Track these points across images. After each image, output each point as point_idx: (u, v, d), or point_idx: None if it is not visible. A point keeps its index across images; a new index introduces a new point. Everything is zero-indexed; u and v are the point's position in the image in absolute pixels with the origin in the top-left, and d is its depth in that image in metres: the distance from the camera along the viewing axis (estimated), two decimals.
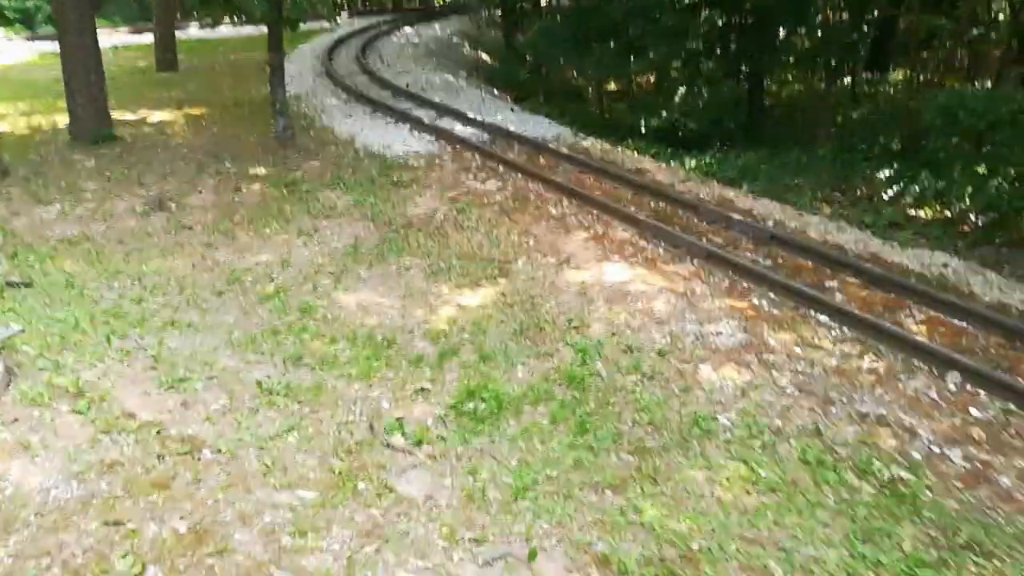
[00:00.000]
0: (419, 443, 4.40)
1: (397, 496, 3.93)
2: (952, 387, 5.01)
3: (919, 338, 5.52)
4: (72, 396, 4.50)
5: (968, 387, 5.00)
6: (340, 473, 4.06)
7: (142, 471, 3.93)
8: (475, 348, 5.51)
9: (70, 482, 3.78)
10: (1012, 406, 4.78)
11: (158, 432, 4.27)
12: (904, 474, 4.20)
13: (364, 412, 4.71)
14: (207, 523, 3.60)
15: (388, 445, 4.36)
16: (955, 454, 4.39)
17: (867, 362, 5.31)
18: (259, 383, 4.92)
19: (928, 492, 4.08)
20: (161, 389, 4.76)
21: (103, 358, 5.03)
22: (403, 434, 4.48)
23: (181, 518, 3.61)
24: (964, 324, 5.81)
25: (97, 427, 4.23)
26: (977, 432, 4.59)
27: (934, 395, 4.94)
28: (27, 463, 3.89)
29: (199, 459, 4.08)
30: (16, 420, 4.23)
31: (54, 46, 12.09)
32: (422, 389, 5.00)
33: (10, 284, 6.06)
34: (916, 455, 4.37)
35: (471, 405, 4.78)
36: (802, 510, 3.91)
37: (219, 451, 4.17)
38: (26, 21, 23.73)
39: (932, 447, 4.45)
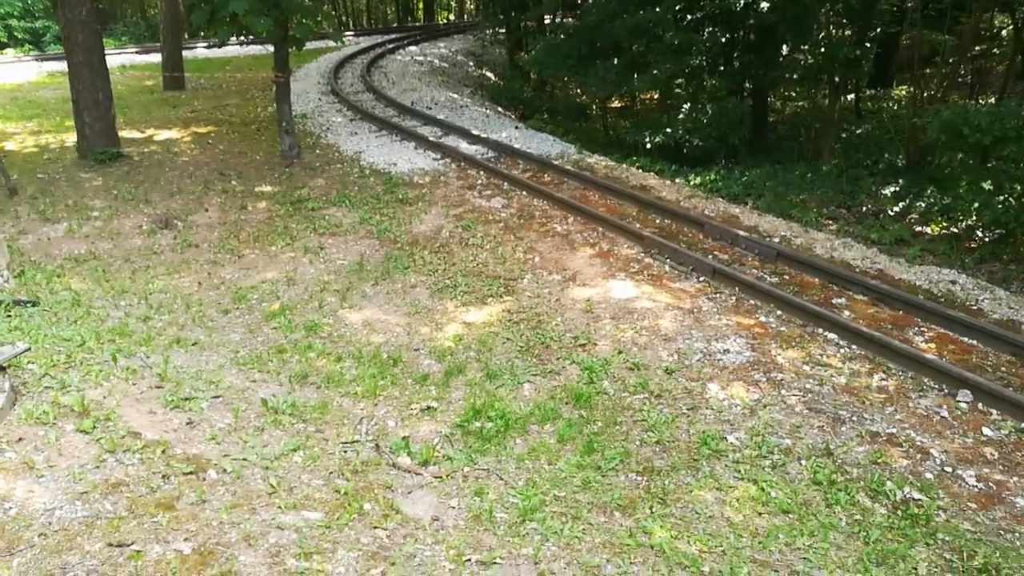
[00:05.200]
0: (425, 463, 4.36)
1: (403, 517, 3.89)
2: (963, 406, 4.96)
3: (929, 356, 5.47)
4: (77, 415, 4.47)
5: (980, 406, 4.95)
6: (346, 494, 4.02)
7: (147, 491, 3.89)
8: (481, 366, 5.48)
9: (74, 502, 3.75)
10: None
11: (163, 451, 4.24)
12: (917, 495, 4.14)
13: (370, 431, 4.68)
14: (211, 545, 3.56)
15: (394, 465, 4.33)
16: (968, 474, 4.33)
17: (876, 380, 5.26)
18: (264, 402, 4.90)
19: (942, 513, 4.02)
20: (167, 408, 4.73)
21: (109, 377, 5.01)
22: (409, 453, 4.44)
23: (185, 539, 3.57)
24: (973, 342, 5.77)
25: (102, 446, 4.20)
26: (990, 452, 4.53)
27: (945, 414, 4.89)
28: (32, 483, 3.86)
29: (204, 479, 4.05)
30: (21, 439, 4.21)
31: (62, 65, 12.20)
32: (428, 407, 4.98)
33: (17, 302, 6.06)
34: (928, 475, 4.32)
35: (477, 424, 4.75)
36: (814, 532, 3.85)
37: (224, 471, 4.13)
38: (35, 41, 24.02)
39: (945, 467, 4.39)
